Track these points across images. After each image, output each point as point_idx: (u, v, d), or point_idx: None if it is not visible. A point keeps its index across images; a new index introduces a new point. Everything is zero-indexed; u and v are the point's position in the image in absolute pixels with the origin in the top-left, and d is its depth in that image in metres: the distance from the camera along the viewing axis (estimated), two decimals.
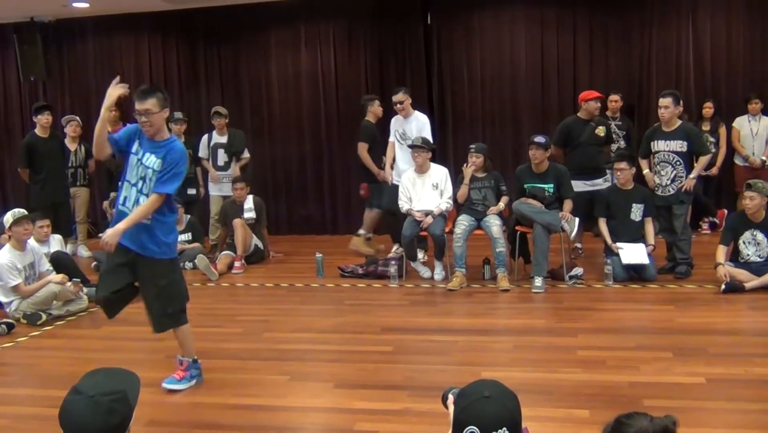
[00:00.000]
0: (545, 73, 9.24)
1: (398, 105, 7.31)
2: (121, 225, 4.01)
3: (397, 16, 9.49)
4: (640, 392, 3.92)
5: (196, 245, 8.02)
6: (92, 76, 10.41)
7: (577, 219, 6.51)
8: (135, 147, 4.13)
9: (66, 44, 10.40)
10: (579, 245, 7.52)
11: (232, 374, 4.50)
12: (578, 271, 6.58)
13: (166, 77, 10.23)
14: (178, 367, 4.31)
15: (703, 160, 6.61)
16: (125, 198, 4.14)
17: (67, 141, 8.61)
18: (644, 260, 6.37)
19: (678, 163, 6.48)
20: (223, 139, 8.46)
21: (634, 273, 6.46)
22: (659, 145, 6.57)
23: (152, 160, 4.07)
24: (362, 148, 7.71)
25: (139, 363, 4.76)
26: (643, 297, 6.04)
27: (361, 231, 8.08)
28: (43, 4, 9.19)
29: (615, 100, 8.30)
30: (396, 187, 7.14)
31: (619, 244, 6.50)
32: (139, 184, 4.10)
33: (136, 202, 4.09)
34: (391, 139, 7.57)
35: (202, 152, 8.48)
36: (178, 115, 8.56)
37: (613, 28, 9.03)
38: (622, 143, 8.22)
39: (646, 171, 6.79)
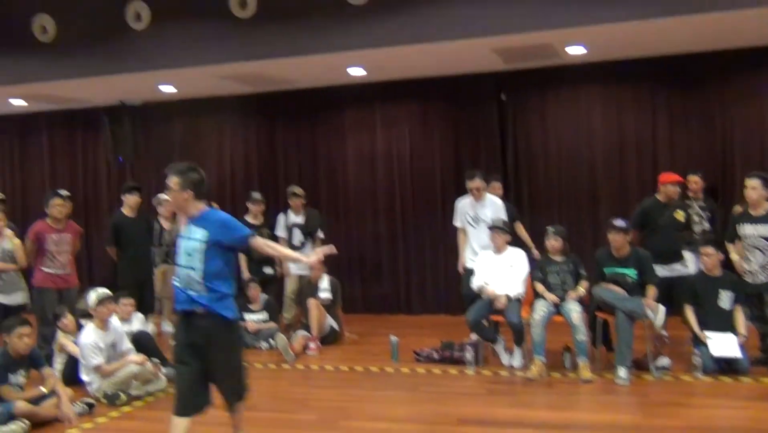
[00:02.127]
0: (623, 153, 9.11)
1: (475, 191, 7.25)
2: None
3: (471, 96, 9.57)
4: None
5: (272, 324, 8.07)
6: (177, 156, 10.76)
7: (662, 307, 6.27)
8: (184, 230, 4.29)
9: (153, 126, 10.84)
10: (665, 333, 7.22)
11: None
12: (665, 361, 6.31)
13: (246, 157, 10.54)
14: None
15: None
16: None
17: (161, 220, 8.90)
18: (736, 352, 6.07)
19: None
20: (300, 219, 8.59)
21: (725, 364, 6.15)
22: (746, 229, 6.30)
23: (198, 232, 4.18)
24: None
25: None
26: (737, 392, 5.72)
27: None
28: (131, 88, 9.65)
29: (695, 181, 8.04)
30: (472, 272, 7.05)
31: (707, 333, 6.22)
32: (184, 261, 4.20)
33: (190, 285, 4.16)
34: (459, 224, 7.47)
35: (279, 231, 8.62)
36: (257, 195, 8.77)
37: (692, 107, 8.87)
38: (707, 225, 7.94)
39: (734, 256, 6.53)
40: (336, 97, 10.00)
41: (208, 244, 4.12)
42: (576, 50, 8.29)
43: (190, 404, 4.17)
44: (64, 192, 8.23)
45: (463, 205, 7.38)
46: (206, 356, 4.16)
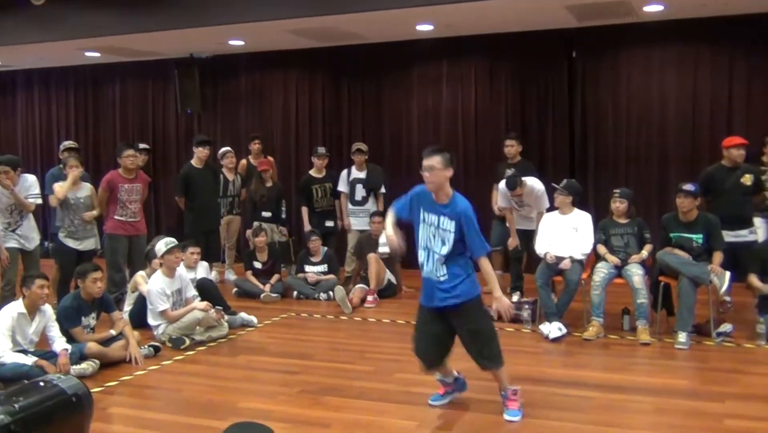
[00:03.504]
0: (696, 116, 8.80)
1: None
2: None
3: (541, 53, 9.36)
4: None
5: (331, 276, 8.20)
6: (243, 109, 10.97)
7: (728, 273, 6.11)
8: (421, 215, 4.35)
9: (221, 79, 11.02)
10: (729, 299, 7.04)
11: (361, 414, 4.53)
12: (727, 327, 6.19)
13: (311, 112, 10.61)
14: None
15: None
16: (422, 264, 4.40)
17: (224, 171, 9.10)
18: None
19: None
20: (362, 175, 8.65)
21: None
22: None
23: (448, 223, 4.27)
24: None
25: (273, 395, 4.94)
26: None
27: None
28: (202, 42, 9.80)
29: None
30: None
31: None
32: (435, 247, 4.32)
33: (433, 263, 4.32)
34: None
35: (342, 187, 8.70)
36: (321, 150, 8.87)
37: None
38: None
39: None
40: (403, 53, 9.92)
41: (455, 235, 4.27)
42: (653, 8, 8.00)
43: None
44: (142, 145, 8.53)
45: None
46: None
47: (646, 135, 9.04)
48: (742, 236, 6.72)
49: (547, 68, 9.39)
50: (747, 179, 6.82)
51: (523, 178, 7.24)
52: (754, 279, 6.19)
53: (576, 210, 6.82)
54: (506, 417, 4.39)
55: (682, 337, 5.95)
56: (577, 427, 4.28)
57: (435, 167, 4.22)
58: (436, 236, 4.29)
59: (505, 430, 4.25)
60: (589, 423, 4.33)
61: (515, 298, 7.32)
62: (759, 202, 7.12)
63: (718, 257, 6.21)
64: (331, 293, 7.82)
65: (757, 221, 7.12)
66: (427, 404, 4.70)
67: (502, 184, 7.39)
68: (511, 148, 8.12)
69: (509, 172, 7.74)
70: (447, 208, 4.29)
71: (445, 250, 4.27)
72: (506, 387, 4.46)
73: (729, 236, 6.61)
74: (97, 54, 10.74)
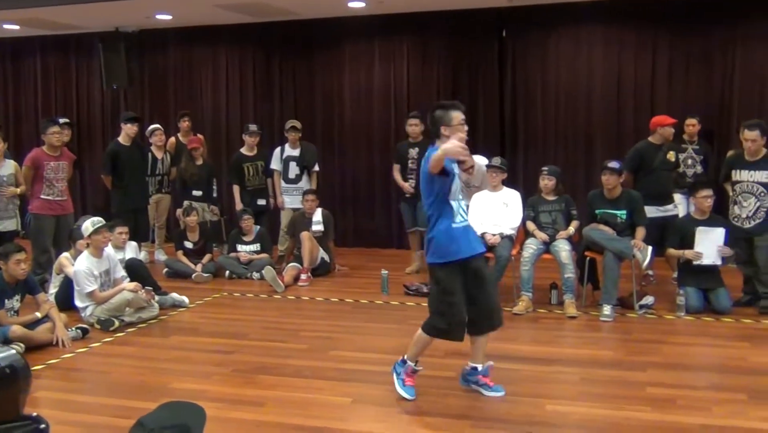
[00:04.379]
0: (621, 94, 9.06)
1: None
2: None
3: (472, 32, 9.45)
4: None
5: (264, 255, 8.15)
6: (171, 85, 10.74)
7: (650, 248, 6.35)
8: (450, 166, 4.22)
9: (148, 54, 10.74)
10: (651, 273, 7.33)
11: (296, 392, 4.54)
12: (649, 300, 6.43)
13: (241, 89, 10.46)
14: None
15: None
16: (457, 213, 4.25)
17: (153, 150, 8.90)
18: (717, 260, 6.25)
19: (763, 194, 6.20)
20: (296, 153, 8.59)
21: (708, 304, 6.28)
22: (742, 175, 6.31)
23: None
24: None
25: (206, 375, 4.91)
26: (717, 331, 5.84)
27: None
28: (127, 15, 9.52)
29: (692, 124, 8.05)
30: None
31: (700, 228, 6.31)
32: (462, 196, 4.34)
33: (464, 213, 4.28)
34: None
35: (275, 165, 8.62)
36: (253, 127, 8.75)
37: (694, 49, 8.79)
38: (700, 168, 7.98)
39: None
40: (335, 29, 9.87)
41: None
42: None
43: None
44: (63, 119, 8.23)
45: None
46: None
47: (573, 113, 9.25)
48: (669, 210, 7.01)
49: (478, 47, 9.48)
50: (671, 156, 7.10)
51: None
52: (671, 250, 6.46)
53: (505, 187, 6.95)
54: (492, 394, 4.41)
55: (606, 310, 6.16)
56: (506, 399, 4.39)
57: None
58: (460, 186, 4.30)
59: (442, 405, 4.32)
60: (519, 395, 4.45)
61: None
62: (675, 178, 7.40)
63: (640, 232, 6.44)
64: (264, 272, 7.78)
65: (677, 196, 7.42)
66: (361, 380, 4.74)
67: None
68: (416, 127, 8.02)
69: (412, 151, 7.83)
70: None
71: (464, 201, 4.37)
72: (484, 364, 4.48)
73: (658, 212, 6.87)
74: (16, 27, 10.31)
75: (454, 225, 4.19)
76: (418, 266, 7.99)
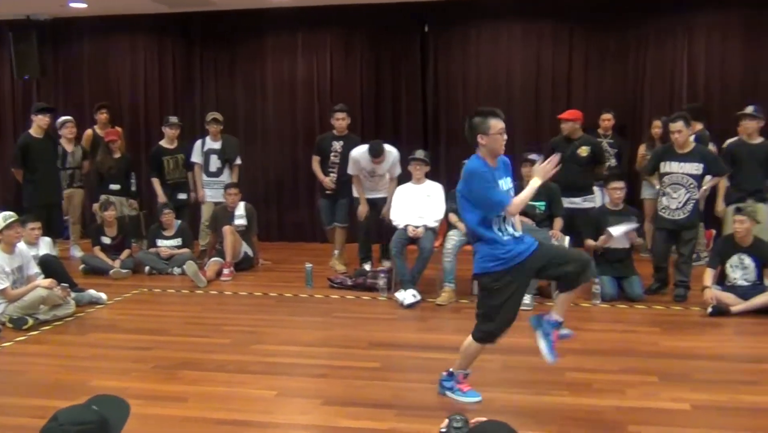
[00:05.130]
0: (540, 89, 9.29)
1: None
2: None
3: (395, 26, 9.52)
4: (625, 418, 3.94)
5: (185, 250, 8.01)
6: (86, 76, 10.40)
7: (567, 237, 6.54)
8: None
9: (61, 44, 10.37)
10: None
11: (219, 387, 4.49)
12: None
13: (160, 80, 10.23)
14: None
15: (720, 180, 6.65)
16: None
17: (63, 142, 8.60)
18: (624, 243, 6.50)
19: (692, 186, 6.37)
20: (217, 145, 8.45)
21: (622, 292, 6.51)
22: (672, 166, 6.44)
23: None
24: None
25: (125, 372, 4.79)
26: (631, 318, 6.08)
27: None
28: (40, 3, 9.17)
29: (607, 118, 8.32)
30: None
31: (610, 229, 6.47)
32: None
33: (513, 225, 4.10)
34: None
35: (196, 158, 8.45)
36: (173, 119, 8.56)
37: (609, 46, 9.09)
38: (614, 162, 8.25)
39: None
40: (257, 20, 9.77)
41: None
42: None
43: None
44: None
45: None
46: None
47: (493, 106, 9.36)
48: (576, 203, 7.20)
49: (400, 41, 9.56)
50: (583, 150, 7.29)
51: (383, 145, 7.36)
52: (588, 241, 6.66)
53: (428, 180, 7.03)
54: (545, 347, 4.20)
55: (526, 299, 6.27)
56: (430, 387, 4.44)
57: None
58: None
59: (365, 395, 4.34)
60: None
61: (367, 267, 7.47)
62: (599, 172, 7.62)
63: (558, 222, 6.62)
64: (185, 267, 7.64)
65: (597, 189, 7.64)
66: (285, 373, 4.72)
67: (358, 151, 7.43)
68: (342, 121, 7.89)
69: (336, 144, 7.79)
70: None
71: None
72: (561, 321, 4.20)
73: (568, 203, 7.06)
74: None
75: (498, 234, 4.01)
76: (345, 259, 7.98)
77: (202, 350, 5.23)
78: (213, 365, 4.91)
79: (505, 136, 4.07)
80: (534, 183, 4.07)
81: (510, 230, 4.04)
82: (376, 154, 7.28)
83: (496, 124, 4.03)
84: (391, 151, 7.44)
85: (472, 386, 4.29)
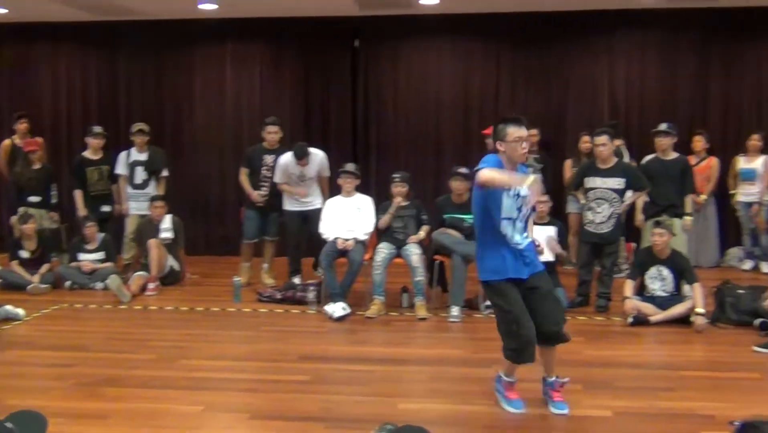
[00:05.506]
0: (468, 105, 9.46)
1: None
2: None
3: (325, 40, 9.54)
4: (550, 424, 4.04)
5: (109, 264, 7.80)
6: (5, 85, 10.05)
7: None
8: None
9: None
10: None
11: (143, 403, 4.37)
12: None
13: (84, 90, 9.97)
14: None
15: (640, 195, 6.81)
16: (509, 236, 4.05)
17: None
18: (549, 256, 6.51)
19: (615, 200, 6.54)
20: (143, 157, 8.26)
21: None
22: (596, 182, 6.61)
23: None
24: None
25: (46, 390, 4.64)
26: None
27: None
28: None
29: (533, 134, 8.49)
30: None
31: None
32: (516, 215, 4.06)
33: (519, 233, 4.06)
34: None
35: (121, 169, 8.24)
36: (97, 129, 8.33)
37: (534, 65, 9.33)
38: (540, 176, 8.43)
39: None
40: (185, 31, 9.63)
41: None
42: (430, 1, 8.46)
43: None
44: None
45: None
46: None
47: (423, 122, 9.54)
48: None
49: (330, 55, 9.59)
50: None
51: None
52: None
53: (358, 193, 7.05)
54: (554, 411, 4.16)
55: (455, 311, 6.39)
56: (360, 399, 4.45)
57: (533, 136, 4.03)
58: (514, 205, 4.04)
59: (294, 408, 4.30)
60: (371, 395, 4.53)
61: (296, 280, 7.42)
62: None
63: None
64: (108, 281, 7.43)
65: None
66: (212, 388, 4.64)
67: (285, 157, 7.40)
68: (275, 135, 7.75)
69: (267, 158, 7.68)
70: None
71: (522, 216, 4.11)
72: (555, 376, 4.24)
73: None
74: None
75: (502, 243, 4.03)
76: (274, 273, 7.90)
77: (126, 366, 5.09)
78: (137, 381, 4.79)
79: (525, 145, 4.01)
80: (523, 178, 3.91)
81: (517, 237, 4.05)
82: (301, 156, 7.26)
83: (514, 131, 3.97)
84: (317, 153, 7.45)
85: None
